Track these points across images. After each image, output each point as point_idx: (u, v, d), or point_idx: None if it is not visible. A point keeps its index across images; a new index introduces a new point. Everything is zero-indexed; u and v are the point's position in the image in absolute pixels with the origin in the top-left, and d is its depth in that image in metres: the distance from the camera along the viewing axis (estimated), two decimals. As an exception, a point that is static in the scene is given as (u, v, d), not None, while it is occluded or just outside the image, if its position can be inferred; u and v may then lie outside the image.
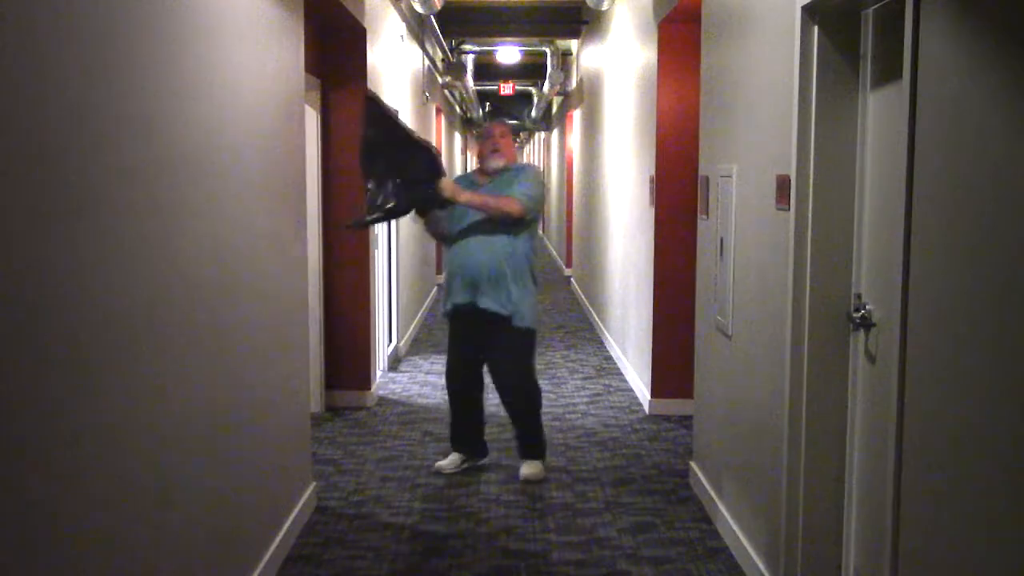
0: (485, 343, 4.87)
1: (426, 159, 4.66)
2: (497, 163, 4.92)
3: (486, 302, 4.75)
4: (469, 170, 5.24)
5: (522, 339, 4.84)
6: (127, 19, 2.36)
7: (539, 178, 4.99)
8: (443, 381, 7.52)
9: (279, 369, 3.87)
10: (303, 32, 4.33)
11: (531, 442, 4.97)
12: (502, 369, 4.92)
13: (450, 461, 5.04)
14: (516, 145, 5.16)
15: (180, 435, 2.72)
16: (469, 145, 24.92)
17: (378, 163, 4.59)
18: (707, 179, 4.48)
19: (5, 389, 1.83)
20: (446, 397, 6.85)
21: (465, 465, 5.05)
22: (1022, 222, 1.85)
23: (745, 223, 3.81)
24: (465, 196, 4.70)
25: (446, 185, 4.66)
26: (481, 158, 5.00)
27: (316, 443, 5.35)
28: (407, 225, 8.88)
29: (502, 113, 24.07)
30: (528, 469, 4.89)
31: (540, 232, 9.08)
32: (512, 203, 4.72)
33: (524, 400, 4.93)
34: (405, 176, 4.58)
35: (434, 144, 5.03)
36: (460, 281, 4.81)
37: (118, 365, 2.30)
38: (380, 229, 7.28)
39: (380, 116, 4.69)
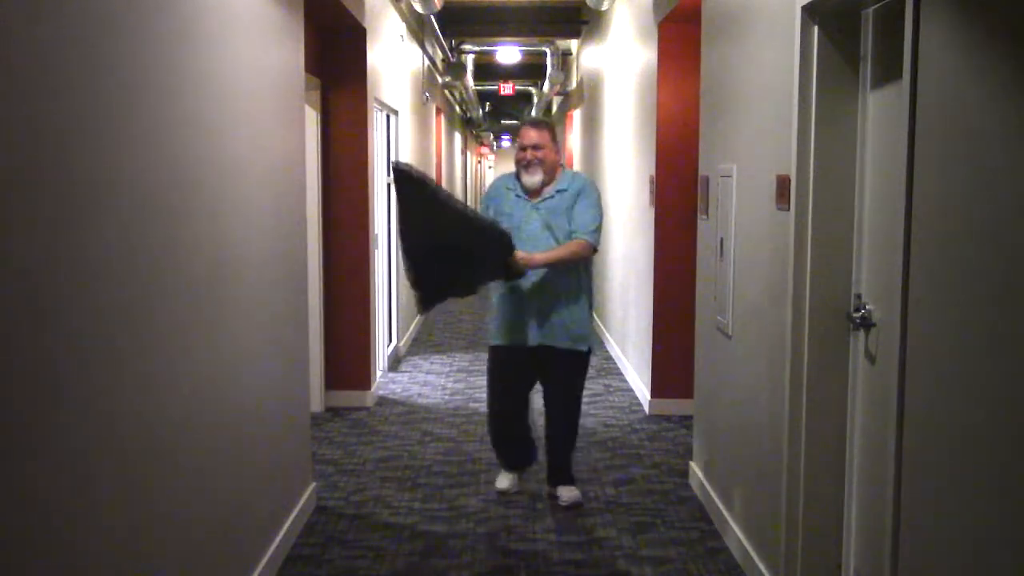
0: (540, 371, 4.48)
1: (491, 235, 4.10)
2: (534, 179, 4.31)
3: (547, 339, 4.34)
4: (501, 174, 4.68)
5: (581, 363, 4.47)
6: (126, 19, 2.36)
7: (598, 195, 4.40)
8: (442, 381, 7.60)
9: (279, 369, 3.87)
10: (303, 32, 4.33)
11: (569, 465, 4.62)
12: (558, 396, 4.52)
13: (511, 483, 4.65)
14: (557, 145, 4.45)
15: (180, 435, 2.72)
16: (469, 145, 24.90)
17: (426, 240, 4.06)
18: (707, 179, 4.48)
19: (4, 389, 1.83)
20: (446, 397, 6.91)
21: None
22: (1022, 222, 1.85)
23: (745, 223, 3.81)
24: (539, 258, 4.16)
25: (521, 258, 4.12)
26: (517, 170, 4.42)
27: (316, 443, 5.35)
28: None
29: (502, 113, 23.98)
30: (570, 493, 4.51)
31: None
32: (584, 247, 4.21)
33: (573, 425, 4.59)
34: (470, 256, 4.07)
35: (488, 217, 4.31)
36: (514, 317, 4.37)
37: (117, 365, 2.30)
38: (380, 229, 7.28)
39: (418, 188, 4.10)
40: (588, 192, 4.32)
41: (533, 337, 4.34)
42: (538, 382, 4.55)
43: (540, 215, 4.29)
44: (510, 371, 4.50)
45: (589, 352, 4.46)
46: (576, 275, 4.32)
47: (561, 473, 4.59)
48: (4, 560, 1.83)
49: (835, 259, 3.09)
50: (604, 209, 4.51)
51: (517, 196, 4.36)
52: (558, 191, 4.31)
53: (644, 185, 6.58)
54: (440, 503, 4.56)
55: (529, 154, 4.30)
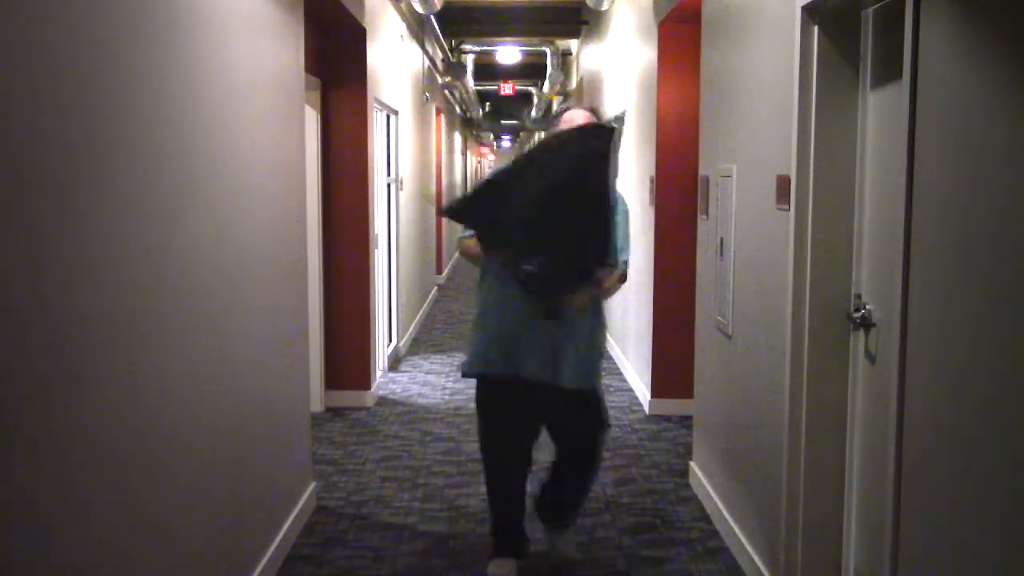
0: (546, 406, 3.56)
1: (604, 228, 3.17)
2: None
3: (556, 376, 3.41)
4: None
5: (598, 388, 3.63)
6: (125, 19, 2.36)
7: (627, 211, 3.59)
8: (442, 381, 7.59)
9: (279, 369, 3.87)
10: (303, 32, 4.33)
11: (577, 508, 3.86)
12: (576, 431, 3.66)
13: (505, 573, 3.65)
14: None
15: (180, 435, 2.71)
16: (469, 145, 24.89)
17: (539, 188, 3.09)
18: (707, 179, 4.48)
19: (4, 390, 1.83)
20: (446, 397, 6.91)
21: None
22: (1022, 222, 1.85)
23: (745, 223, 3.81)
24: (606, 291, 3.47)
25: (607, 281, 3.38)
26: None
27: (316, 443, 5.35)
28: (407, 224, 8.88)
29: (502, 113, 23.95)
30: (568, 545, 3.86)
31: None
32: (621, 277, 3.49)
33: (594, 461, 3.74)
34: (571, 238, 3.13)
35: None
36: (506, 344, 3.41)
37: (117, 365, 2.30)
38: (380, 229, 7.27)
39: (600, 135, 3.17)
40: (622, 203, 3.51)
41: (540, 372, 3.40)
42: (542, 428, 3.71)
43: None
44: (505, 409, 3.57)
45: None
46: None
47: (564, 514, 3.84)
48: (4, 562, 1.83)
49: (835, 259, 3.09)
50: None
51: None
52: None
53: (644, 185, 6.58)
54: (440, 503, 4.56)
55: None
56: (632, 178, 7.22)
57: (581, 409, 3.58)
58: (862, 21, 2.99)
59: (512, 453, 3.65)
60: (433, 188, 12.30)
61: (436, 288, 12.40)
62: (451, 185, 16.29)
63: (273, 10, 3.76)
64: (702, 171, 4.62)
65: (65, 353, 2.05)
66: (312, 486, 4.44)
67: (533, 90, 17.97)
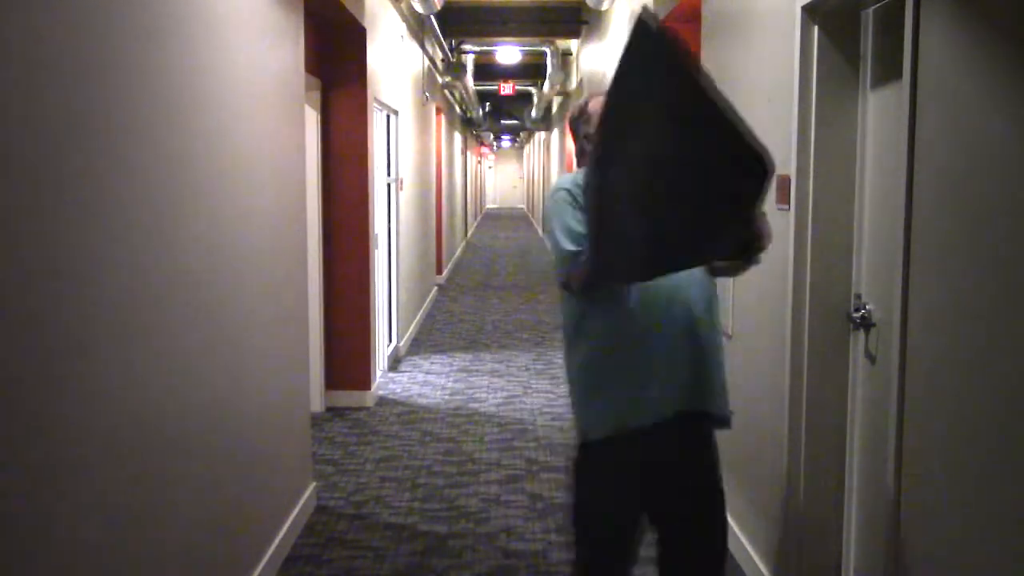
0: (670, 483, 2.65)
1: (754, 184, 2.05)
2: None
3: (711, 402, 2.61)
4: (565, 174, 3.28)
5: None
6: (126, 19, 2.36)
7: None
8: (442, 381, 7.59)
9: (279, 369, 3.87)
10: (303, 32, 4.33)
11: None
12: (709, 527, 2.67)
13: None
14: None
15: (180, 435, 2.72)
16: (469, 145, 24.90)
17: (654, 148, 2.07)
18: (707, 179, 4.48)
19: (6, 387, 1.83)
20: (446, 397, 6.89)
21: None
22: (1022, 222, 1.85)
23: (745, 223, 3.81)
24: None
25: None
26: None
27: (316, 443, 5.35)
28: (407, 224, 8.88)
29: (502, 113, 23.94)
30: None
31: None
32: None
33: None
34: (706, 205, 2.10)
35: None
36: (655, 366, 2.53)
37: (116, 365, 2.30)
38: (380, 229, 7.27)
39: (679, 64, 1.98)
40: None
41: (674, 400, 2.55)
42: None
43: None
44: (623, 486, 2.65)
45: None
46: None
47: None
48: (4, 561, 1.83)
49: (835, 259, 3.09)
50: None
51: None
52: None
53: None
54: (440, 503, 4.56)
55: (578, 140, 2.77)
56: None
57: (717, 470, 2.67)
58: (862, 21, 2.99)
59: (625, 545, 2.72)
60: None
61: (436, 288, 12.40)
62: (450, 185, 16.23)
63: (273, 10, 3.76)
64: (702, 171, 4.61)
65: (64, 353, 2.05)
66: (312, 486, 4.44)
67: (533, 90, 17.98)
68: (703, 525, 2.65)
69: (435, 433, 5.80)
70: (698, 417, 2.59)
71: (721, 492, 2.67)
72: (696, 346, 2.56)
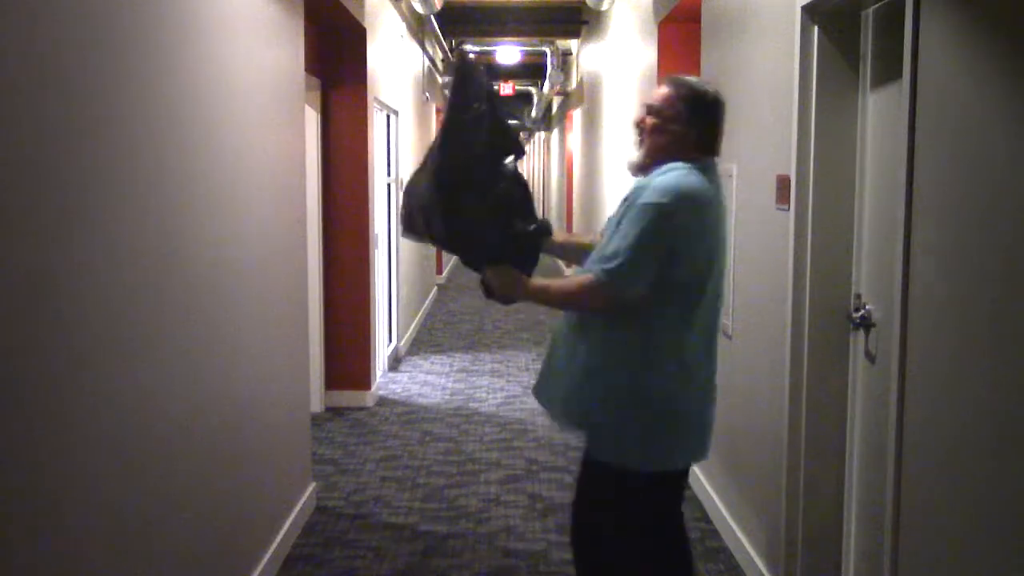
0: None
1: (520, 192, 2.71)
2: (632, 160, 2.76)
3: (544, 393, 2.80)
4: None
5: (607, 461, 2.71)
6: (124, 19, 2.36)
7: (657, 213, 2.48)
8: (442, 381, 7.58)
9: (279, 369, 3.87)
10: (303, 32, 4.33)
11: None
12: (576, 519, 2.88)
13: None
14: (689, 119, 2.59)
15: (180, 435, 2.71)
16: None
17: (462, 159, 2.69)
18: (707, 179, 4.48)
19: (7, 388, 1.83)
20: (447, 397, 6.90)
21: None
22: (1022, 222, 1.85)
23: (745, 223, 3.81)
24: (533, 287, 2.65)
25: (514, 277, 2.65)
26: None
27: (316, 443, 5.35)
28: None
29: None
30: None
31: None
32: (585, 289, 2.53)
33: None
34: (499, 206, 2.65)
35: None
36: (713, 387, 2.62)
37: (115, 365, 2.30)
38: (380, 229, 7.27)
39: (481, 95, 2.95)
40: (646, 199, 2.50)
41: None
42: None
43: (612, 219, 2.66)
44: (680, 514, 2.78)
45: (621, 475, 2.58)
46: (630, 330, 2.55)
47: None
48: (6, 561, 1.83)
49: (835, 259, 3.09)
50: (655, 236, 2.48)
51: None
52: (636, 187, 2.60)
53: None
54: (440, 503, 4.56)
55: (641, 118, 2.70)
56: (632, 178, 7.21)
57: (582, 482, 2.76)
58: (862, 21, 2.99)
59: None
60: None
61: (436, 288, 12.40)
62: None
63: (273, 10, 3.76)
64: (702, 171, 4.61)
65: (64, 353, 2.05)
66: (312, 486, 4.44)
67: (533, 90, 17.98)
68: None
69: (435, 433, 5.79)
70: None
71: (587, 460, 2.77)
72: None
